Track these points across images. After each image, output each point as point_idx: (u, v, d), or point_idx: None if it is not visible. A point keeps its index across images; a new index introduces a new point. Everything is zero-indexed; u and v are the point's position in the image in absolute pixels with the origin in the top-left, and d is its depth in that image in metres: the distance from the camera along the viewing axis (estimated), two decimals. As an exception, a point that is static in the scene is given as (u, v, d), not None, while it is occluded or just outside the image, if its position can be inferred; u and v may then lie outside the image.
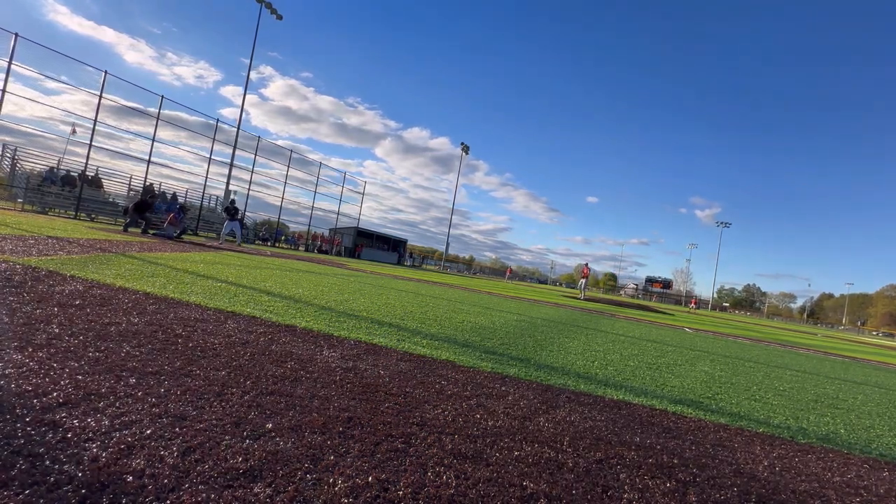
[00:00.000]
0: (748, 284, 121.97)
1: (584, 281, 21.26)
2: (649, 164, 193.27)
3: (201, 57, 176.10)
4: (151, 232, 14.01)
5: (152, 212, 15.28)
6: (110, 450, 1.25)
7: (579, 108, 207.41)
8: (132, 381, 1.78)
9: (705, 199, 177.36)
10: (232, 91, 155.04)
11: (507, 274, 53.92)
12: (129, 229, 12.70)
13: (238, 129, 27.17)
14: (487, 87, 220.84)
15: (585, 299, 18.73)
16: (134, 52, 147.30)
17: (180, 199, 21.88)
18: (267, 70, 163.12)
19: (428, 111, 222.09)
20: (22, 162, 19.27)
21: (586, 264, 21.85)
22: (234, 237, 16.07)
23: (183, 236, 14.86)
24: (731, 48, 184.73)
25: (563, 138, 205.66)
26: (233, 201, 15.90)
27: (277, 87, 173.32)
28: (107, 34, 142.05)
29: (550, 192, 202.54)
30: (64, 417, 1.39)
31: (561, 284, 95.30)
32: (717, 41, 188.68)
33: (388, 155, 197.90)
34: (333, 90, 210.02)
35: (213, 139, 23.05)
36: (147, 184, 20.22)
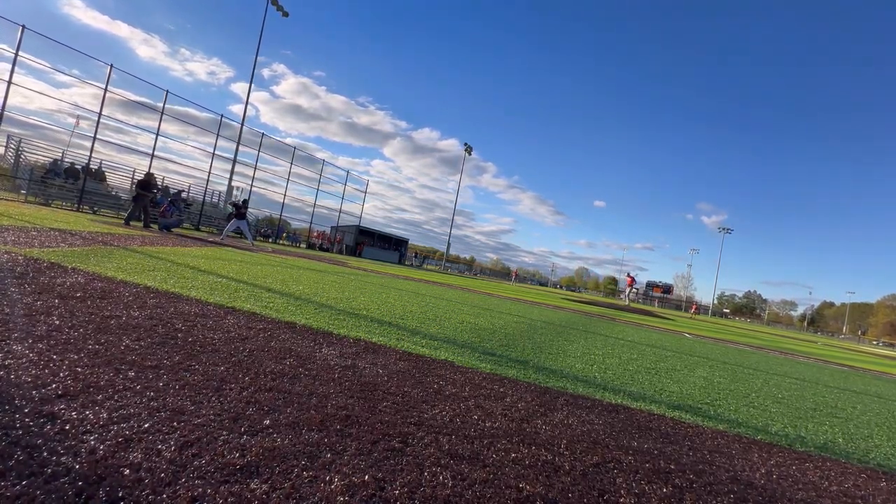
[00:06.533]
0: (749, 291, 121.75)
1: (628, 289, 23.56)
2: (658, 169, 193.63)
3: (214, 54, 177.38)
4: (155, 226, 14.05)
5: (155, 191, 15.29)
6: (108, 443, 1.25)
7: (591, 113, 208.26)
8: (131, 374, 1.78)
9: (712, 205, 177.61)
10: (243, 88, 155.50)
11: (513, 277, 53.97)
12: (131, 223, 12.72)
13: (242, 125, 27.20)
14: (498, 89, 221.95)
15: (625, 308, 19.73)
16: (147, 47, 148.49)
17: (172, 191, 21.77)
18: (279, 68, 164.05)
19: (439, 113, 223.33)
20: (26, 153, 19.34)
21: (628, 274, 23.79)
22: (243, 236, 16.04)
23: (173, 229, 14.88)
24: (739, 52, 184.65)
25: (574, 142, 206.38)
26: (244, 201, 15.71)
27: (289, 85, 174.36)
28: (121, 29, 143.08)
29: (558, 196, 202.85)
30: (62, 409, 1.39)
31: (561, 287, 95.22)
32: (725, 45, 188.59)
33: (396, 155, 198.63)
34: (345, 89, 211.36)
35: (217, 135, 23.09)
36: (149, 171, 20.25)
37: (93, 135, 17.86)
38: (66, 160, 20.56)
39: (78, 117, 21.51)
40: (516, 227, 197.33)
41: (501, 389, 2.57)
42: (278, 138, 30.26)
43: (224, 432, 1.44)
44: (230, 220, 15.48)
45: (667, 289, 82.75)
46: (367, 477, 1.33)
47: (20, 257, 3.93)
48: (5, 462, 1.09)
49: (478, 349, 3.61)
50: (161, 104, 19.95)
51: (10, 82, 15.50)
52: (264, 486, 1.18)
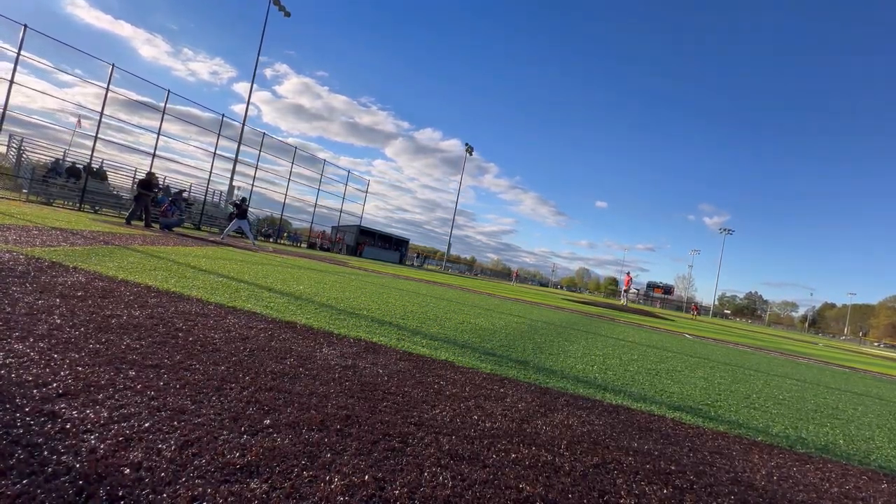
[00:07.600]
0: (750, 292, 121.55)
1: (626, 289, 22.45)
2: (660, 170, 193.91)
3: (217, 54, 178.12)
4: (156, 226, 14.06)
5: (156, 190, 15.26)
6: (108, 442, 1.25)
7: (594, 113, 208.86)
8: (132, 373, 1.78)
9: (714, 206, 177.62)
10: (246, 88, 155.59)
11: (514, 277, 54.06)
12: (132, 222, 12.74)
13: (243, 125, 27.23)
14: (501, 90, 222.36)
15: (623, 308, 19.20)
16: (150, 47, 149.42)
17: (173, 190, 21.80)
18: (282, 68, 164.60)
19: (441, 113, 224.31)
20: (28, 153, 19.37)
21: (628, 273, 22.91)
22: (244, 236, 15.87)
23: (175, 229, 14.85)
24: (742, 52, 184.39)
25: (577, 143, 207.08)
26: (243, 199, 15.28)
27: (292, 85, 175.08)
28: (124, 28, 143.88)
29: (560, 196, 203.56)
30: (63, 408, 1.39)
31: (562, 287, 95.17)
32: (728, 44, 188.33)
33: (397, 155, 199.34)
34: (347, 89, 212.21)
35: (219, 134, 23.12)
36: (150, 171, 20.25)
37: (94, 134, 17.90)
38: (68, 159, 20.59)
39: (80, 117, 21.52)
40: (517, 228, 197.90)
41: (502, 390, 2.57)
42: (280, 138, 30.39)
43: (224, 432, 1.44)
44: (231, 219, 15.40)
45: (668, 289, 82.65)
46: (367, 477, 1.33)
47: (22, 256, 3.94)
48: (6, 461, 1.09)
49: (478, 349, 3.61)
50: (163, 104, 19.99)
51: (12, 81, 15.53)
52: (264, 486, 1.19)
